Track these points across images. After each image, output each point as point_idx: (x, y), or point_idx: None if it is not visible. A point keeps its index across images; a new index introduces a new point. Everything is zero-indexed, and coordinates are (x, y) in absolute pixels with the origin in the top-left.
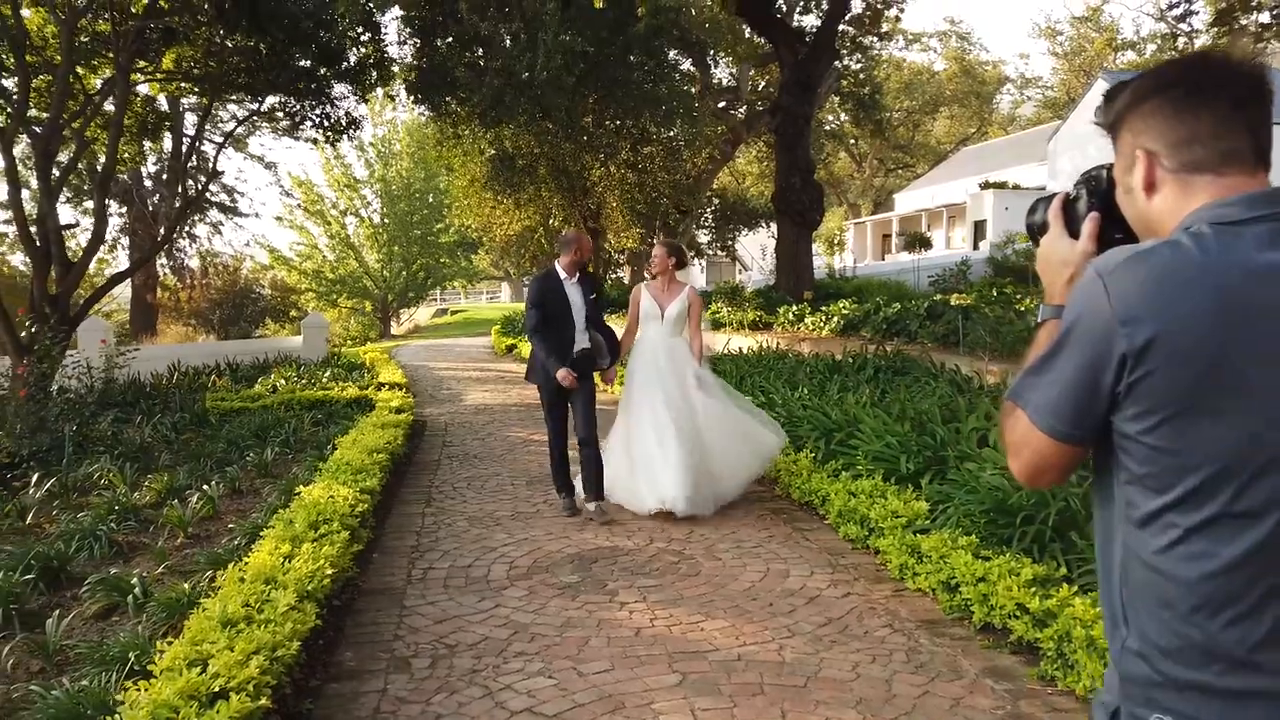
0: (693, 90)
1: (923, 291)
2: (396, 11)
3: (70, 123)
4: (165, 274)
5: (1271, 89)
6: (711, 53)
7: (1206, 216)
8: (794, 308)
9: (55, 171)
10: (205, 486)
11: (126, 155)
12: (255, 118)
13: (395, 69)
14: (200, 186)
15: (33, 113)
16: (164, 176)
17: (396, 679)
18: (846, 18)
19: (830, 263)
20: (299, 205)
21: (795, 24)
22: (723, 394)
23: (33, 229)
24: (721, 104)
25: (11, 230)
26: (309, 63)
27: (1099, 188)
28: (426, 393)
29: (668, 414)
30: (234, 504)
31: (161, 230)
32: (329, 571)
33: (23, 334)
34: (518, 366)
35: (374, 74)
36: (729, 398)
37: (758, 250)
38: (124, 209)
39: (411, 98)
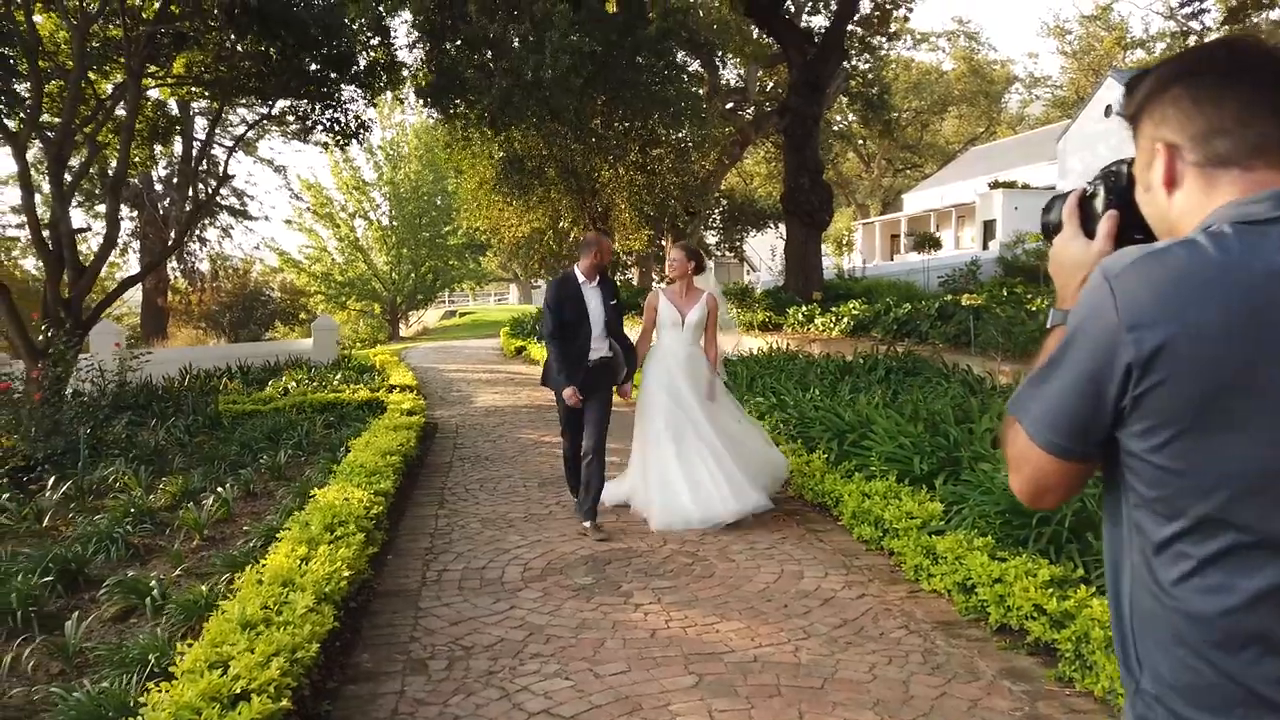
0: (701, 91)
1: (932, 292)
2: (406, 15)
3: (82, 127)
4: (176, 277)
5: None
6: (720, 53)
7: (1229, 215)
8: (803, 308)
9: (67, 176)
10: (219, 489)
11: (138, 159)
12: (265, 122)
13: (405, 72)
14: (211, 190)
15: (45, 118)
16: (175, 180)
17: (414, 681)
18: (855, 18)
19: (839, 263)
20: (308, 208)
21: (804, 24)
22: (734, 408)
23: (45, 233)
24: (730, 105)
25: (25, 235)
26: (319, 67)
27: (1118, 184)
28: (437, 395)
29: (688, 424)
30: (248, 506)
31: (172, 234)
32: (346, 574)
33: (37, 338)
34: (527, 368)
35: (384, 77)
36: (738, 411)
37: (766, 251)
38: (135, 213)
39: (421, 101)
